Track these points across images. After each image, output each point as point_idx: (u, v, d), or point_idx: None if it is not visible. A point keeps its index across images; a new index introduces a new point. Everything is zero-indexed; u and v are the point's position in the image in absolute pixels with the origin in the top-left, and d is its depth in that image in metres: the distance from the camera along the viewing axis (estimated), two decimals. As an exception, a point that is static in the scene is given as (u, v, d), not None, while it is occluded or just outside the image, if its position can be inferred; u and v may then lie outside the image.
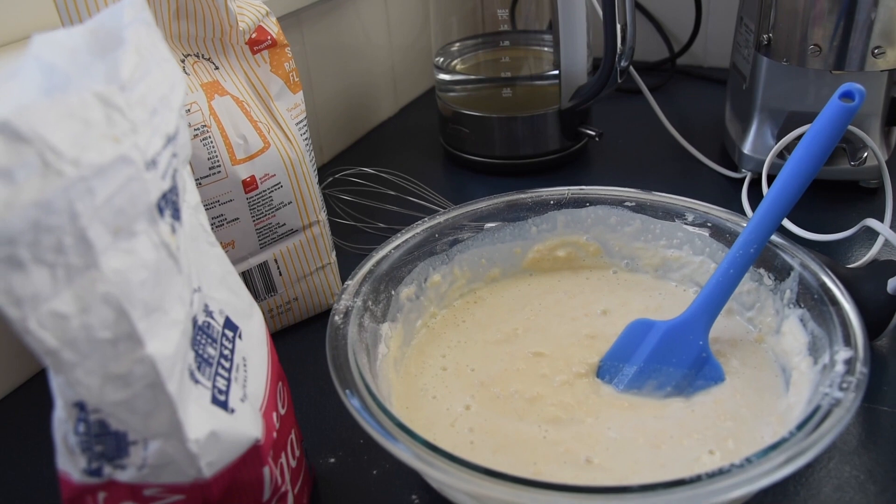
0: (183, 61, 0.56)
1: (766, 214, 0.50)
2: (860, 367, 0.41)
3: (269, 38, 0.59)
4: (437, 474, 0.36)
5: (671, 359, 0.50)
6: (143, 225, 0.31)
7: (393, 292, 0.53)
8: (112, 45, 0.33)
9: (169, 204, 0.34)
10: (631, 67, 0.86)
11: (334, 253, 0.66)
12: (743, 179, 0.80)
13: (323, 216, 0.64)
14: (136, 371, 0.31)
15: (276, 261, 0.61)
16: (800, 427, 0.37)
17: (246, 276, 0.60)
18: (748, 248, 0.50)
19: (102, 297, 0.29)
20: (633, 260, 0.61)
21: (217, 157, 0.55)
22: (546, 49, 0.90)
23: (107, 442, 0.33)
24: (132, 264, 0.30)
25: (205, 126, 0.55)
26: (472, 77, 0.91)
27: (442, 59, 0.91)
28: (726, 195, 0.80)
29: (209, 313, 0.39)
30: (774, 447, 0.37)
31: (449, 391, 0.50)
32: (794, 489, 0.47)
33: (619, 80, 0.81)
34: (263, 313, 0.62)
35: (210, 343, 0.38)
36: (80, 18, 0.48)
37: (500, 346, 0.54)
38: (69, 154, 0.28)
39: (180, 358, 0.33)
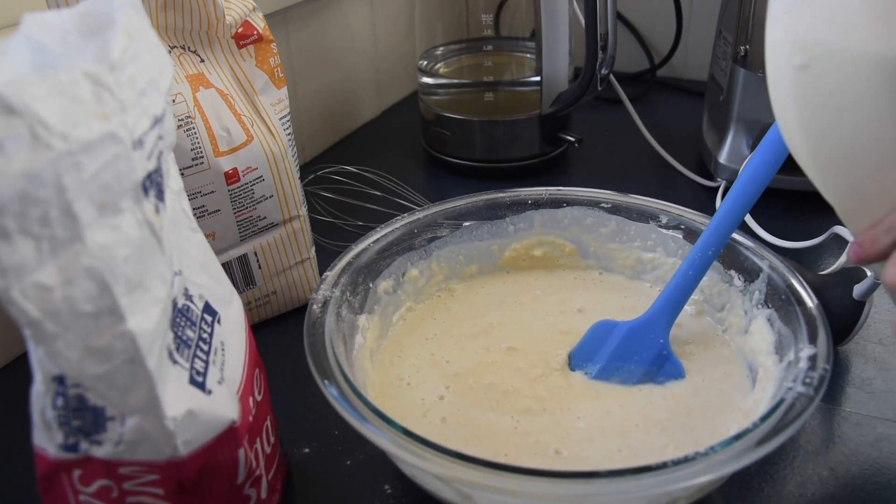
0: (169, 53, 0.57)
1: (724, 218, 0.51)
2: (823, 364, 0.42)
3: (255, 32, 0.60)
4: (413, 459, 0.37)
5: (633, 357, 0.52)
6: (128, 202, 0.32)
7: (371, 285, 0.54)
8: (102, 26, 0.33)
9: (154, 184, 0.34)
10: (612, 77, 0.87)
11: (314, 249, 0.67)
12: (718, 188, 0.81)
13: (303, 211, 0.64)
14: (116, 345, 0.32)
15: (255, 254, 0.62)
16: (763, 419, 0.39)
17: (225, 268, 0.60)
18: (706, 250, 0.51)
19: (86, 271, 0.30)
20: (608, 260, 0.62)
21: (200, 148, 0.56)
22: (528, 55, 0.91)
23: (84, 416, 0.33)
24: (116, 240, 0.31)
25: (189, 117, 0.55)
26: (455, 81, 0.92)
27: (425, 63, 0.93)
28: (702, 203, 0.82)
29: (189, 297, 0.39)
30: (738, 437, 0.38)
31: (424, 382, 0.51)
32: (758, 486, 0.48)
33: (600, 88, 0.83)
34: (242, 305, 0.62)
35: (189, 326, 0.38)
36: (66, 4, 0.49)
37: (475, 339, 0.55)
38: (58, 128, 0.28)
39: (160, 335, 0.34)
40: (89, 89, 0.30)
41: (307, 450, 0.52)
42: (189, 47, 0.58)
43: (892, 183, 0.38)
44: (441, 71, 0.92)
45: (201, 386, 0.37)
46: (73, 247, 0.30)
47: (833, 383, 0.56)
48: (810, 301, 0.47)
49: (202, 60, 0.59)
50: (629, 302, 0.59)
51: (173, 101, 0.55)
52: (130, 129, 0.32)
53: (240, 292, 0.62)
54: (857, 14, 0.36)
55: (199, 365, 0.38)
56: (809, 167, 0.41)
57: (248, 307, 0.63)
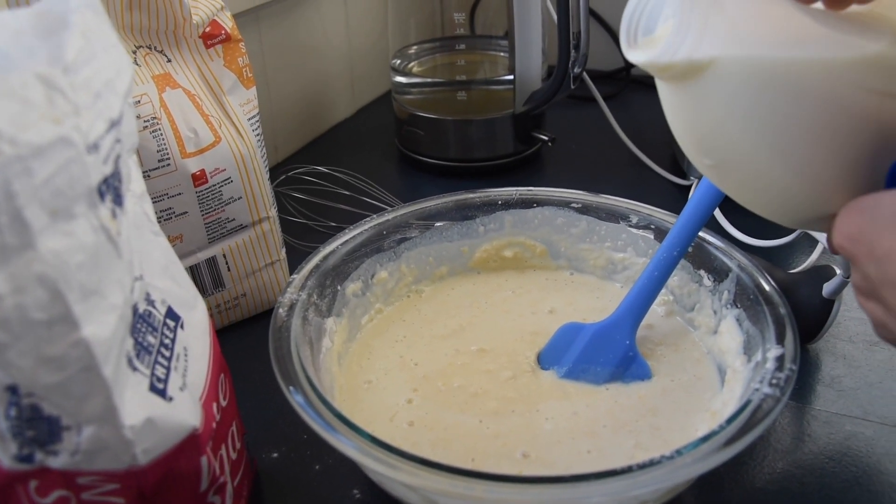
0: (134, 53, 0.56)
1: (689, 218, 0.51)
2: (790, 364, 0.42)
3: (223, 32, 0.59)
4: (376, 465, 0.37)
5: (599, 358, 0.52)
6: (82, 208, 0.31)
7: (339, 287, 0.54)
8: (57, 27, 0.33)
9: (111, 189, 0.34)
10: (586, 76, 0.87)
11: (284, 250, 0.66)
12: (691, 186, 0.81)
13: (273, 212, 0.64)
14: (70, 354, 0.31)
15: (224, 256, 0.61)
16: (730, 421, 0.39)
17: (194, 271, 0.60)
18: (672, 250, 0.51)
19: (38, 278, 0.29)
20: (579, 261, 0.62)
21: (167, 149, 0.55)
22: (502, 54, 0.91)
23: (39, 427, 0.33)
24: (70, 246, 0.30)
25: (155, 118, 0.55)
26: (428, 80, 0.92)
27: (399, 62, 0.92)
28: (675, 201, 0.82)
29: (151, 302, 0.39)
30: (705, 439, 0.38)
31: (392, 385, 0.51)
32: (728, 485, 0.48)
33: (573, 86, 0.82)
34: (211, 309, 0.62)
35: (150, 331, 0.38)
36: (27, 3, 0.48)
37: (445, 341, 0.54)
38: (6, 133, 0.28)
39: (117, 343, 0.33)
40: (41, 92, 0.29)
41: (276, 455, 0.51)
42: (155, 47, 0.58)
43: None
44: (414, 70, 0.92)
45: (162, 393, 0.37)
46: (24, 254, 0.29)
47: (803, 382, 0.56)
48: (778, 301, 0.47)
49: (169, 60, 0.58)
50: (600, 303, 0.59)
51: (138, 101, 0.54)
52: (84, 132, 0.31)
53: (209, 295, 0.61)
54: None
55: (160, 371, 0.38)
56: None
57: (218, 310, 0.63)
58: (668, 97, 0.40)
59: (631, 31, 0.40)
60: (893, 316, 0.34)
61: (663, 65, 0.37)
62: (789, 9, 0.36)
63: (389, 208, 0.59)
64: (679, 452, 0.37)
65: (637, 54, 0.39)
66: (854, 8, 0.37)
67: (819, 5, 0.37)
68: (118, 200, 0.35)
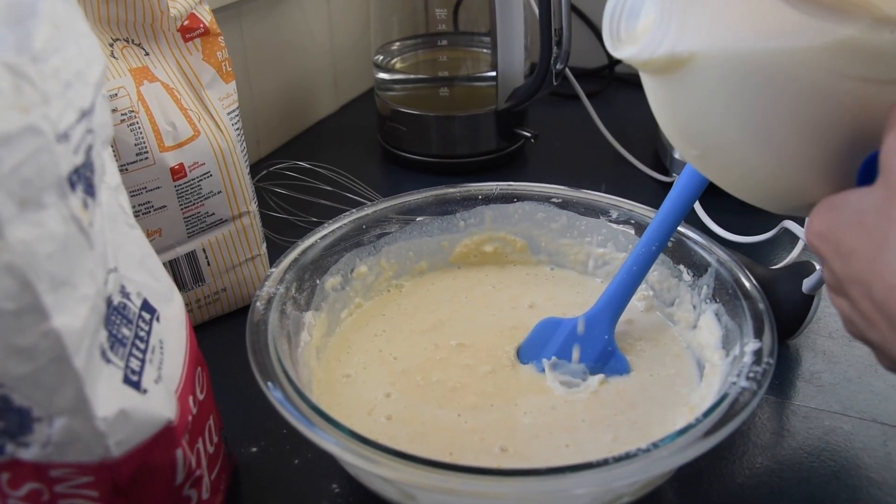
0: (112, 45, 0.56)
1: (668, 213, 0.51)
2: (767, 358, 0.42)
3: (201, 26, 0.59)
4: (352, 458, 0.37)
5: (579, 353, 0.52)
6: (52, 197, 0.31)
7: (318, 281, 0.53)
8: (25, 16, 0.32)
9: (82, 179, 0.33)
10: (569, 72, 0.87)
11: (265, 245, 0.66)
12: (673, 183, 0.81)
13: (253, 207, 0.63)
14: (40, 344, 0.31)
15: (204, 250, 0.61)
16: (706, 414, 0.39)
17: (173, 265, 0.59)
18: (650, 245, 0.51)
19: (6, 268, 0.29)
20: (559, 256, 0.62)
21: (145, 143, 0.55)
22: (484, 50, 0.91)
23: (9, 418, 0.32)
24: (39, 236, 0.30)
25: (132, 112, 0.54)
26: (411, 76, 0.92)
27: (381, 58, 0.92)
28: (657, 198, 0.81)
29: (126, 294, 0.38)
30: (681, 433, 0.38)
31: (370, 379, 0.50)
32: (708, 480, 0.48)
33: (555, 83, 0.82)
34: (191, 303, 0.61)
35: (125, 324, 0.37)
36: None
37: (424, 335, 0.54)
38: (-28, 121, 0.27)
39: (89, 334, 0.33)
40: (8, 80, 0.29)
41: (255, 449, 0.51)
42: (133, 40, 0.57)
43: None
44: (397, 66, 0.92)
45: (136, 385, 0.37)
46: (-9, 243, 0.29)
47: (783, 377, 0.56)
48: (756, 295, 0.47)
49: (147, 54, 0.57)
50: (580, 298, 0.59)
51: (115, 94, 0.53)
52: (53, 121, 0.31)
53: (188, 290, 0.61)
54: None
55: (134, 364, 0.37)
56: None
57: (197, 305, 0.62)
58: (653, 90, 0.41)
59: (614, 27, 0.40)
60: (859, 312, 0.35)
61: (646, 60, 0.37)
62: None
63: (369, 203, 0.59)
64: (655, 445, 0.37)
65: (620, 50, 0.39)
66: None
67: None
68: (90, 191, 0.34)
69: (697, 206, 0.72)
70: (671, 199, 0.51)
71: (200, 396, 0.43)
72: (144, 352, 0.38)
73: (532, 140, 0.88)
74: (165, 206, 0.57)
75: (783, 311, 0.55)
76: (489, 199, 0.60)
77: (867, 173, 0.36)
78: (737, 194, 0.42)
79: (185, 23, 0.58)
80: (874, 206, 0.33)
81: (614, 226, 0.59)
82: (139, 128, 0.54)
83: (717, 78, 0.36)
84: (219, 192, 0.60)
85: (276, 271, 0.50)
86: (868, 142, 0.36)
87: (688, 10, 0.36)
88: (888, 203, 0.32)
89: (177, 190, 0.57)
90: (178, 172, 0.57)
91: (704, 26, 0.36)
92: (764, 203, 0.42)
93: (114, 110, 0.53)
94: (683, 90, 0.38)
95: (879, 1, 0.36)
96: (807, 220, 0.38)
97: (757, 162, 0.38)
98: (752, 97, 0.36)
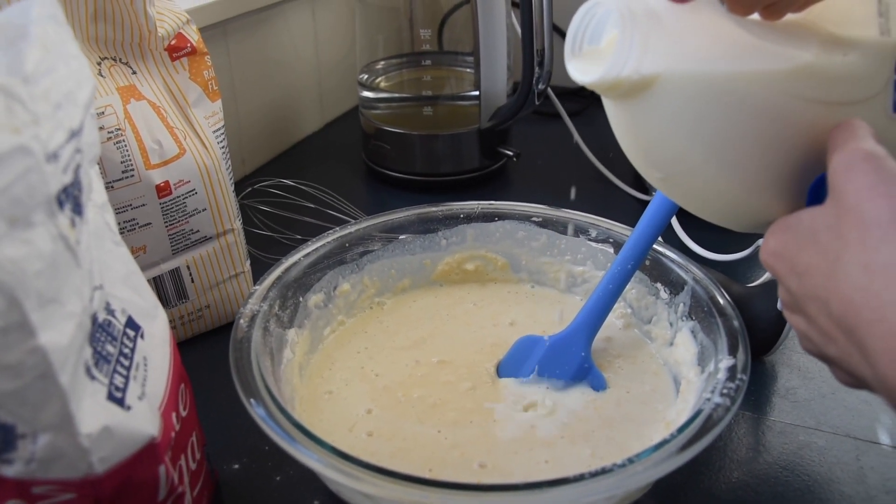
0: (99, 64, 0.56)
1: (642, 234, 0.52)
2: (740, 374, 0.43)
3: (188, 45, 0.60)
4: (340, 478, 0.37)
5: (556, 370, 0.53)
6: (41, 216, 0.31)
7: (301, 299, 0.54)
8: (17, 38, 0.33)
9: (70, 198, 0.34)
10: (551, 92, 0.88)
11: (249, 262, 0.66)
12: (652, 202, 0.83)
13: (238, 224, 0.64)
14: (27, 361, 0.31)
15: (188, 267, 0.61)
16: (681, 430, 0.39)
17: (157, 282, 0.60)
18: (626, 264, 0.52)
19: (-6, 286, 0.29)
20: (539, 274, 0.63)
21: (131, 160, 0.55)
22: (468, 70, 0.92)
23: (-6, 435, 0.33)
24: (28, 254, 0.31)
25: (119, 129, 0.55)
26: (395, 95, 0.93)
27: (366, 77, 0.93)
28: (637, 216, 0.82)
29: (111, 311, 0.39)
30: (657, 448, 0.38)
31: (352, 395, 0.51)
32: (685, 495, 0.49)
33: (537, 102, 0.84)
34: (174, 320, 0.62)
35: (110, 341, 0.38)
36: (7, 2, 0.48)
37: (406, 352, 0.55)
38: (-36, 141, 0.28)
39: (74, 351, 0.33)
40: (0, 101, 0.30)
41: (237, 465, 0.51)
42: (120, 59, 0.58)
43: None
44: (381, 85, 0.93)
45: (120, 402, 0.37)
46: (-20, 261, 0.29)
47: (759, 393, 0.57)
48: (731, 312, 0.48)
49: (134, 72, 0.58)
50: (561, 315, 0.59)
51: (102, 112, 0.54)
52: (44, 142, 0.31)
53: (172, 307, 0.61)
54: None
55: (118, 380, 0.38)
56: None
57: (181, 321, 0.63)
58: (616, 115, 0.41)
59: (576, 48, 0.41)
60: (816, 328, 0.36)
61: (609, 83, 0.38)
62: (725, 22, 0.37)
63: (353, 221, 0.60)
64: (631, 460, 0.37)
65: (586, 74, 0.39)
66: (788, 16, 0.38)
67: (755, 16, 0.38)
68: (78, 209, 0.35)
69: (675, 224, 0.73)
70: (646, 219, 0.52)
71: (184, 413, 0.44)
72: (129, 368, 0.39)
73: (514, 158, 0.89)
74: (150, 224, 0.58)
75: (759, 328, 0.56)
76: (471, 218, 0.61)
77: (816, 193, 0.37)
78: (699, 214, 0.43)
79: (173, 42, 0.59)
80: (826, 224, 0.34)
81: (593, 244, 0.60)
82: (125, 145, 0.55)
83: (679, 101, 0.37)
84: (203, 210, 0.60)
85: (260, 289, 0.51)
86: (819, 163, 0.37)
87: (649, 32, 0.36)
88: (839, 221, 0.33)
89: (162, 207, 0.58)
90: (163, 190, 0.57)
91: (666, 49, 0.36)
92: (725, 222, 0.43)
93: (101, 128, 0.53)
94: (645, 113, 0.39)
95: (830, 23, 0.37)
96: (761, 240, 0.39)
97: (717, 182, 0.39)
98: (713, 119, 0.37)
